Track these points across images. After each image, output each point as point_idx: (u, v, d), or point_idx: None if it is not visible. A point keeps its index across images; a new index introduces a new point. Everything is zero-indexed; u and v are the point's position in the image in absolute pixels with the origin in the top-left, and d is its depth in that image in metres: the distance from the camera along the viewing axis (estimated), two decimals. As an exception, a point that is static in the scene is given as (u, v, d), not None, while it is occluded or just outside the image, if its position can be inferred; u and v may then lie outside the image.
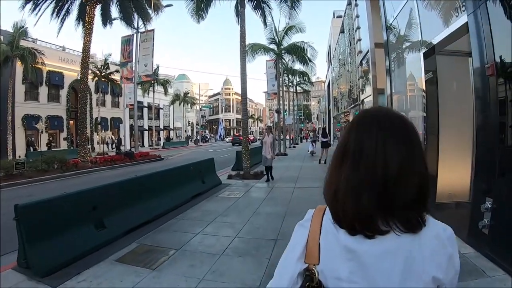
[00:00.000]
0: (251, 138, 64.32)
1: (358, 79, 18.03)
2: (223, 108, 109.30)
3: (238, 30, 15.05)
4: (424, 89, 7.79)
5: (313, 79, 58.47)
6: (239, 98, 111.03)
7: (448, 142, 7.62)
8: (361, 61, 17.12)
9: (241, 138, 15.54)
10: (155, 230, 6.99)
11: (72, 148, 33.62)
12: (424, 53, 7.67)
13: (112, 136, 43.22)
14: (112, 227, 6.44)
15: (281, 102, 31.99)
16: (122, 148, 38.59)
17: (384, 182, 0.93)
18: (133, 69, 28.35)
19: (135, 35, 28.22)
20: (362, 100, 17.15)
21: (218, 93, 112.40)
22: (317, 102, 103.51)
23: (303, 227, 1.07)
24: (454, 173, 7.76)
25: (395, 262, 0.92)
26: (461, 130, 7.75)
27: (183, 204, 9.19)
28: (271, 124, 33.73)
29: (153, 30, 28.27)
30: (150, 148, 46.20)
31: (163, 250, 5.77)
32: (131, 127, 50.17)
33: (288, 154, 28.49)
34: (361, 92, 17.45)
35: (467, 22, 5.71)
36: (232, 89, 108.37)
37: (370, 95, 14.79)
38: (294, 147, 41.89)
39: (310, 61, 29.09)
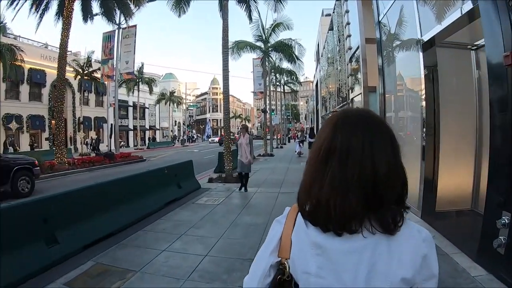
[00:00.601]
0: (238, 137, 63.70)
1: (348, 77, 17.28)
2: (211, 107, 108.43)
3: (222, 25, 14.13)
4: (423, 85, 6.97)
5: (301, 79, 58.21)
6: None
7: (449, 144, 6.87)
8: (350, 58, 16.42)
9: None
10: (117, 245, 6.09)
11: (54, 148, 32.39)
12: (422, 45, 6.86)
13: (92, 136, 41.90)
14: (67, 242, 5.56)
15: (267, 101, 31.23)
16: (106, 148, 37.48)
17: (373, 182, 0.94)
18: (114, 66, 27.22)
19: (116, 31, 27.15)
20: (352, 99, 16.42)
21: (206, 93, 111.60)
22: (305, 102, 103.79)
23: (279, 223, 1.12)
24: (455, 178, 7.02)
25: (361, 260, 0.94)
26: (463, 130, 7.07)
27: (155, 212, 8.30)
28: (259, 124, 32.52)
29: (135, 26, 27.20)
30: (135, 149, 45.33)
31: (120, 271, 4.88)
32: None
33: (274, 154, 27.65)
34: (350, 91, 16.71)
35: (472, 9, 4.96)
36: (220, 88, 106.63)
37: (360, 93, 14.04)
38: (281, 147, 41.20)
39: (297, 59, 28.28)
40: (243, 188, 11.30)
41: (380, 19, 10.09)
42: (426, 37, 6.72)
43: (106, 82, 34.10)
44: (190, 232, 6.71)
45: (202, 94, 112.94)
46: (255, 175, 14.56)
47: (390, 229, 0.95)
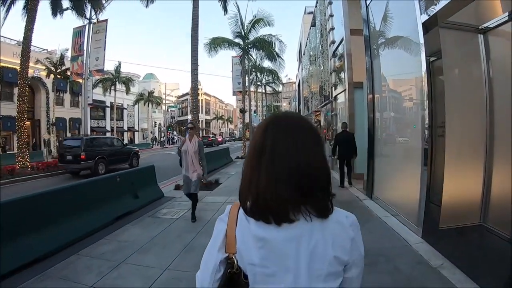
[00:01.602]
0: (219, 139, 62.66)
1: (330, 74, 16.05)
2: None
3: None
4: (424, 77, 5.67)
5: (284, 80, 57.31)
6: (208, 98, 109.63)
7: (454, 147, 5.57)
8: (333, 52, 15.22)
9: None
10: (41, 275, 4.76)
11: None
12: (424, 24, 5.58)
13: (61, 138, 39.67)
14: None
15: (248, 101, 29.95)
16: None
17: (301, 174, 1.08)
18: (84, 63, 25.59)
19: (87, 26, 25.60)
20: (335, 96, 15.21)
21: (187, 93, 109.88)
22: (288, 103, 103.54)
23: (222, 221, 1.21)
24: (462, 187, 5.77)
25: (300, 246, 1.07)
26: (470, 131, 5.79)
27: (101, 229, 6.87)
28: (242, 125, 30.82)
29: (106, 20, 25.58)
30: (112, 150, 43.52)
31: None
32: (92, 128, 47.58)
33: (254, 157, 25.87)
34: (333, 88, 15.49)
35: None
36: (202, 89, 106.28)
37: (344, 90, 12.83)
38: (262, 148, 39.45)
39: (278, 56, 26.89)
40: (194, 218, 7.61)
41: (367, 4, 8.86)
42: (426, 15, 5.47)
43: (80, 81, 32.63)
44: (131, 259, 5.26)
45: (183, 95, 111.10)
46: (227, 181, 13.11)
47: (323, 213, 1.10)
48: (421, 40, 5.61)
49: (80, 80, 30.86)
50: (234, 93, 31.73)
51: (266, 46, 25.09)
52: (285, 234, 1.07)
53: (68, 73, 34.88)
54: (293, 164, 1.07)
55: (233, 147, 29.54)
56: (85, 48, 25.58)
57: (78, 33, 26.52)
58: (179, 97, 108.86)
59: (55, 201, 6.27)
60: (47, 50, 41.02)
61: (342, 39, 12.93)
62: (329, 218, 1.10)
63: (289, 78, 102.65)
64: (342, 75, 13.76)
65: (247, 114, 29.19)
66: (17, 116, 19.16)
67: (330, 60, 15.96)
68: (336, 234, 1.09)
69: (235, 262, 1.11)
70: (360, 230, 1.17)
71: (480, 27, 5.77)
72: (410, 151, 6.63)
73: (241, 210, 1.16)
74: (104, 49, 25.30)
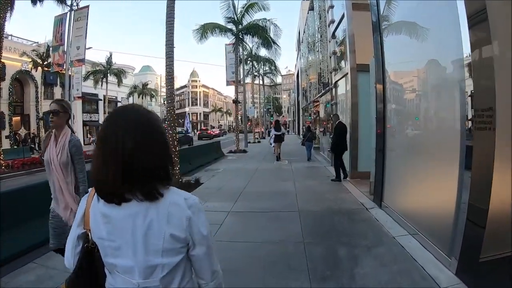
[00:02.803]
0: (216, 132, 60.93)
1: (330, 57, 14.38)
2: (190, 101, 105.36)
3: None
4: (466, 44, 3.87)
5: (284, 72, 55.95)
6: (207, 90, 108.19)
7: (504, 145, 3.86)
8: (333, 33, 13.58)
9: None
10: None
11: (16, 147, 29.23)
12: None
13: (34, 133, 37.11)
14: None
15: (242, 92, 28.48)
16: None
17: (124, 160, 1.16)
18: (66, 53, 23.99)
19: (68, 13, 23.98)
20: (335, 82, 13.53)
21: (185, 86, 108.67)
22: (288, 95, 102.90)
23: (84, 199, 1.34)
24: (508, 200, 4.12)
25: (136, 222, 1.20)
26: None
27: (40, 245, 5.31)
28: (241, 117, 28.87)
29: (87, 6, 23.94)
30: (104, 145, 42.04)
31: None
32: (84, 122, 46.14)
33: (248, 151, 24.33)
34: (333, 73, 13.82)
35: None
36: (199, 81, 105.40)
37: (346, 74, 11.17)
38: (259, 142, 37.79)
39: (274, 42, 25.29)
40: None
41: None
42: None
43: (63, 72, 31.12)
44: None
45: (181, 87, 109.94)
46: (211, 180, 11.46)
47: (149, 197, 1.20)
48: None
49: (63, 71, 29.37)
50: (228, 83, 30.11)
51: (260, 31, 23.50)
52: (124, 212, 1.20)
53: (57, 65, 33.43)
54: (118, 149, 1.16)
55: (225, 140, 27.93)
56: (66, 37, 23.99)
57: (59, 21, 24.99)
58: (176, 89, 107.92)
59: None
60: (37, 42, 39.36)
61: (343, 15, 11.26)
62: (165, 199, 1.22)
63: (288, 70, 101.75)
64: (343, 58, 12.17)
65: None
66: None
67: (330, 42, 14.31)
68: (171, 214, 1.21)
69: (90, 236, 1.27)
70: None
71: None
72: (436, 148, 4.95)
73: None
74: (85, 38, 23.72)
